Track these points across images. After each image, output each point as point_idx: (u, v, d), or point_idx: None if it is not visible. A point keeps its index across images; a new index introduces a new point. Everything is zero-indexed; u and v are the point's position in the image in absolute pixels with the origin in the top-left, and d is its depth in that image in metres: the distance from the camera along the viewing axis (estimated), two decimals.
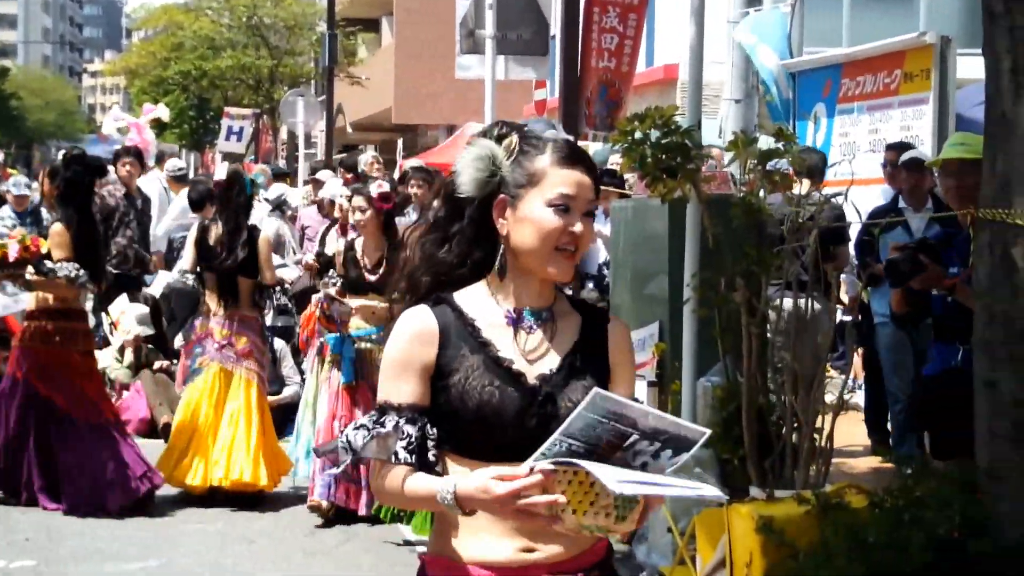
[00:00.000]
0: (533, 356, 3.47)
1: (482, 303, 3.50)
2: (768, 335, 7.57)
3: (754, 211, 7.58)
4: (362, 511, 9.65)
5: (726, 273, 7.59)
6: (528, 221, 3.42)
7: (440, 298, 3.49)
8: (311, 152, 38.61)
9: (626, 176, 13.19)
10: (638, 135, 7.68)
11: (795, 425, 7.23)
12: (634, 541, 8.38)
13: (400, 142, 32.35)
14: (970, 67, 12.37)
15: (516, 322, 3.48)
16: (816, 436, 7.16)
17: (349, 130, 46.66)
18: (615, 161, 13.29)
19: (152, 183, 16.81)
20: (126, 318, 13.75)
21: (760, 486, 7.15)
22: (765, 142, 7.78)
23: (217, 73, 49.63)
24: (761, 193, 7.64)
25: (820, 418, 7.18)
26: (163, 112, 26.21)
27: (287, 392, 12.90)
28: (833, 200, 7.71)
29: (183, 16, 53.25)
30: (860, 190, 9.21)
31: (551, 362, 3.47)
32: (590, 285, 11.95)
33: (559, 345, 3.49)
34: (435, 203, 3.61)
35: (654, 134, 7.66)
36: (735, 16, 13.11)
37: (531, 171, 3.43)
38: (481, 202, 3.48)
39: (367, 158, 20.48)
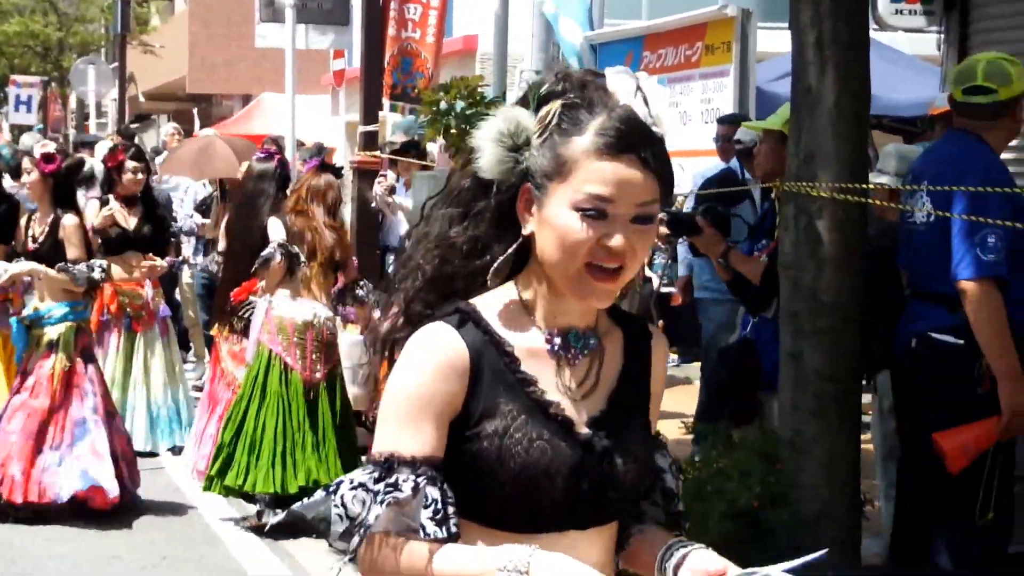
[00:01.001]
0: (579, 394, 2.73)
1: (514, 320, 2.73)
2: None
3: None
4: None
5: None
6: (550, 226, 2.63)
7: (464, 313, 2.69)
8: (102, 122, 38.00)
9: (428, 147, 13.20)
10: (443, 106, 7.80)
11: None
12: None
13: (196, 112, 31.96)
14: (769, 40, 12.59)
15: (560, 351, 2.73)
16: None
17: (142, 99, 46.08)
18: (419, 133, 13.31)
19: None
20: None
21: None
22: None
23: (3, 39, 48.53)
24: None
25: None
26: None
27: None
28: None
29: None
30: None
31: (598, 401, 2.75)
32: (390, 258, 11.95)
33: (606, 376, 2.78)
34: (460, 172, 2.85)
35: (459, 105, 7.77)
36: None
37: (561, 158, 2.62)
38: (509, 185, 2.71)
39: (168, 129, 20.19)
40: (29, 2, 47.44)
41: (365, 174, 14.12)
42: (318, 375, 8.98)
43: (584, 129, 2.59)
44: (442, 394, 2.61)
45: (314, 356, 8.96)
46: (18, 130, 38.10)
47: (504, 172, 2.66)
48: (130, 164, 11.03)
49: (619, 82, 2.69)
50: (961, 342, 6.01)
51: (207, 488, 9.10)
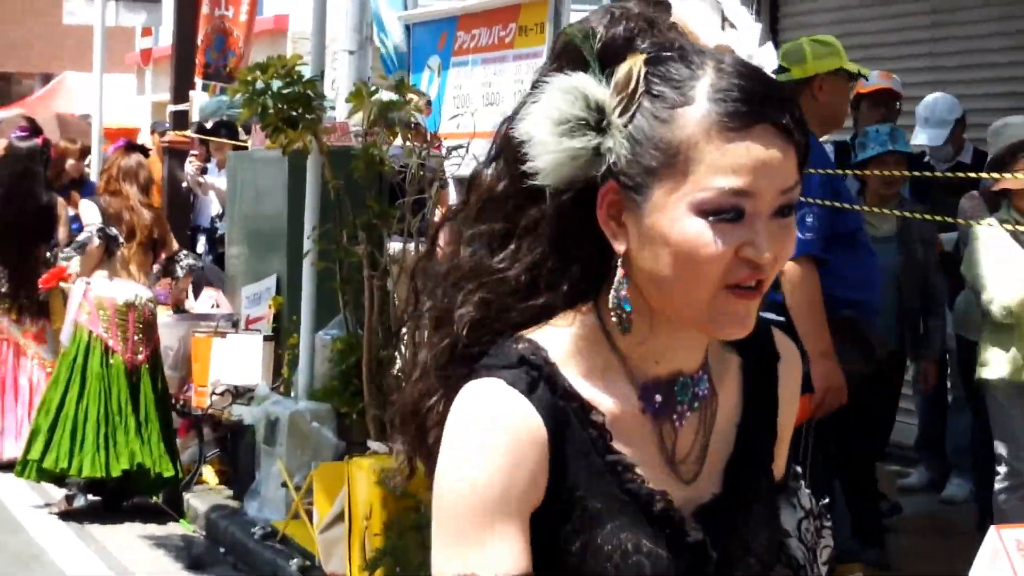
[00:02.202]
0: (687, 470, 2.03)
1: (597, 366, 1.98)
2: (389, 288, 7.72)
3: (375, 163, 7.80)
4: None
5: (347, 226, 7.76)
6: (661, 240, 1.88)
7: (533, 366, 1.93)
8: None
9: (240, 127, 13.23)
10: (260, 85, 7.77)
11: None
12: (245, 497, 8.54)
13: None
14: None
15: (662, 409, 2.00)
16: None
17: None
18: (230, 113, 13.32)
19: None
20: None
21: (379, 439, 7.30)
22: (384, 95, 7.92)
23: None
24: (385, 146, 7.86)
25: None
26: None
27: None
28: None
29: None
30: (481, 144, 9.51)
31: (711, 477, 2.05)
32: (201, 239, 11.97)
33: (720, 436, 2.07)
34: (486, 170, 2.04)
35: (275, 84, 7.78)
36: None
37: (666, 142, 1.87)
38: (570, 189, 1.93)
39: None
40: None
41: (176, 154, 14.10)
42: (140, 357, 9.01)
43: (691, 95, 1.86)
44: (521, 485, 1.91)
45: (136, 338, 8.98)
46: None
47: (574, 171, 1.89)
48: None
49: (695, 12, 2.02)
50: (783, 319, 6.05)
51: (20, 473, 9.06)
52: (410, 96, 8.16)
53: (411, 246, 7.62)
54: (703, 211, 1.85)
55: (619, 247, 1.91)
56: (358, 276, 7.73)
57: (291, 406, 8.22)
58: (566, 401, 1.92)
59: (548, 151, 1.87)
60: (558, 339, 1.95)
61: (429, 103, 11.05)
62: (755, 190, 1.86)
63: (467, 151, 7.72)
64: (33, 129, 10.64)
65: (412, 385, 2.03)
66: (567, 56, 1.93)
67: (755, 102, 1.86)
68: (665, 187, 1.86)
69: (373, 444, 7.31)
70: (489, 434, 1.88)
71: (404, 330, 7.51)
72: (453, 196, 10.96)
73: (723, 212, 1.85)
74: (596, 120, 1.87)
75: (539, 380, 1.91)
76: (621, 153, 1.87)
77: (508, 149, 1.97)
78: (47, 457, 8.80)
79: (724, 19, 2.01)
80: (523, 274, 1.96)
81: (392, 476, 6.44)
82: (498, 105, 10.18)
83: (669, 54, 1.89)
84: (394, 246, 7.81)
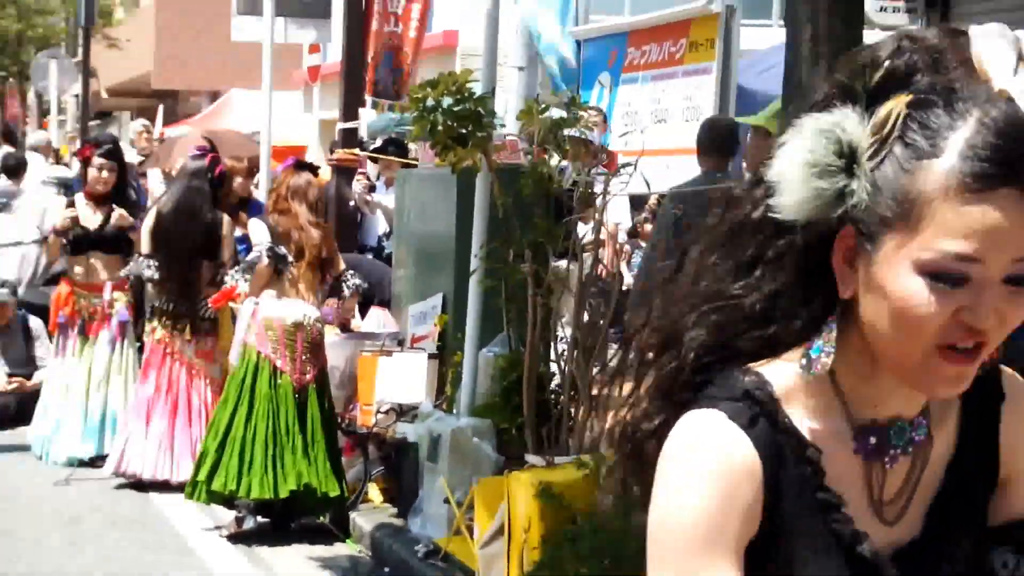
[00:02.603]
0: (891, 511, 2.07)
1: (816, 403, 2.04)
2: (552, 305, 8.04)
3: (544, 181, 8.04)
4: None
5: (514, 244, 8.04)
6: (882, 292, 1.91)
7: (756, 401, 2.02)
8: (62, 119, 38.19)
9: (411, 145, 13.59)
10: (430, 102, 7.98)
11: (573, 393, 7.79)
12: (409, 515, 8.90)
13: (160, 108, 32.19)
14: (750, 38, 13.01)
15: (874, 452, 2.05)
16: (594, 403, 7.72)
17: (104, 95, 46.13)
18: (398, 130, 13.74)
19: None
20: None
21: (537, 453, 7.68)
22: (554, 112, 8.19)
23: None
24: (553, 162, 8.11)
25: (599, 386, 7.73)
26: None
27: (39, 376, 12.82)
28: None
29: None
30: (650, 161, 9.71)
31: (915, 521, 2.08)
32: (368, 258, 12.39)
33: (930, 476, 2.10)
34: (738, 190, 2.14)
35: (446, 101, 7.98)
36: None
37: (903, 193, 1.87)
38: (819, 225, 1.96)
39: (136, 126, 20.63)
40: None
41: (344, 172, 14.54)
42: (308, 376, 9.26)
43: (942, 146, 1.84)
44: (736, 519, 1.97)
45: (304, 357, 9.23)
46: None
47: (816, 211, 1.93)
48: (97, 161, 11.27)
49: (992, 48, 1.91)
50: None
51: (190, 495, 9.32)
52: (581, 113, 8.41)
53: (575, 265, 7.99)
54: (925, 271, 1.85)
55: (845, 292, 1.96)
56: (523, 294, 8.01)
57: (453, 423, 8.60)
58: (784, 437, 1.99)
59: (794, 189, 1.92)
60: (784, 374, 2.02)
61: (605, 119, 11.38)
62: (984, 257, 1.83)
63: (635, 168, 8.00)
64: (211, 148, 10.96)
65: (632, 406, 2.13)
66: (841, 87, 1.96)
67: (1006, 164, 1.81)
68: (895, 240, 1.88)
69: (531, 458, 7.65)
70: (706, 466, 1.95)
71: (563, 346, 7.94)
72: (622, 214, 11.32)
73: (946, 276, 1.84)
74: (847, 163, 1.89)
75: (760, 416, 1.98)
76: (862, 198, 1.89)
77: (759, 181, 2.04)
78: (215, 479, 9.08)
79: (1020, 58, 1.88)
80: (759, 303, 2.02)
81: (603, 494, 6.80)
82: (667, 122, 10.44)
83: (934, 99, 1.87)
84: (558, 264, 8.10)
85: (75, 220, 11.20)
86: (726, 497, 1.94)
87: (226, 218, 10.74)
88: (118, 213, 11.17)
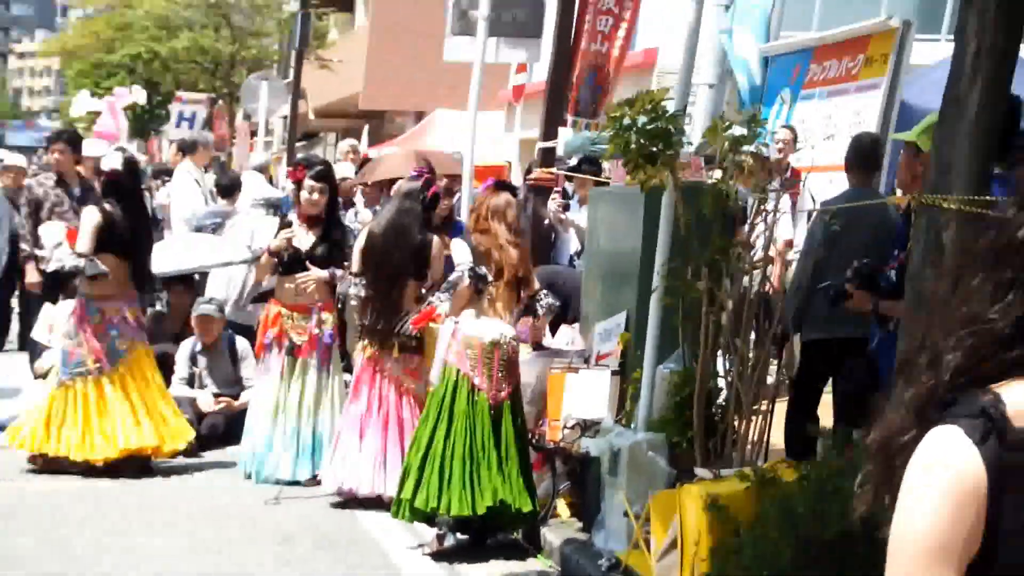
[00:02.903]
0: None
1: None
2: (723, 322, 8.43)
3: (723, 198, 8.39)
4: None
5: (692, 262, 8.41)
6: None
7: (991, 419, 2.22)
8: (269, 140, 39.05)
9: (604, 163, 13.91)
10: (626, 121, 8.35)
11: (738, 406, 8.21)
12: (593, 529, 9.31)
13: (366, 129, 32.81)
14: (920, 52, 13.10)
15: None
16: (757, 417, 8.13)
17: (311, 116, 47.02)
18: (593, 148, 14.11)
19: (183, 174, 17.63)
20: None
21: (704, 466, 8.11)
22: (737, 129, 8.54)
23: (171, 55, 49.91)
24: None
25: (761, 400, 8.16)
26: (139, 96, 27.03)
27: (246, 396, 13.19)
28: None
29: None
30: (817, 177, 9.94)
31: None
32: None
33: None
34: (1008, 213, 2.29)
35: (641, 120, 8.33)
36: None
37: None
38: None
39: (344, 146, 21.30)
40: (201, 17, 48.88)
41: (540, 191, 14.89)
42: (503, 394, 9.63)
43: None
44: (961, 536, 2.18)
45: (499, 375, 9.62)
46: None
47: None
48: (309, 183, 11.67)
49: None
50: None
51: (395, 513, 9.77)
52: (760, 130, 8.76)
53: (745, 280, 8.40)
54: None
55: None
56: (698, 311, 8.37)
57: (631, 437, 9.01)
58: (1011, 453, 2.17)
59: None
60: (1019, 394, 2.21)
61: (795, 137, 11.67)
62: None
63: (804, 185, 8.34)
64: (428, 169, 11.28)
65: (889, 419, 2.35)
66: None
67: None
68: None
69: (700, 471, 8.06)
70: (938, 485, 2.16)
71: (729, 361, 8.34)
72: (787, 230, 11.60)
73: None
74: None
75: (991, 432, 2.17)
76: None
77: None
78: (418, 496, 9.48)
79: None
80: (1008, 326, 2.20)
81: (856, 505, 7.11)
82: (835, 138, 10.59)
83: None
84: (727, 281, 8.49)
85: (290, 241, 11.61)
86: (954, 516, 2.16)
87: (436, 239, 11.03)
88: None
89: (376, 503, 10.77)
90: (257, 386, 12.03)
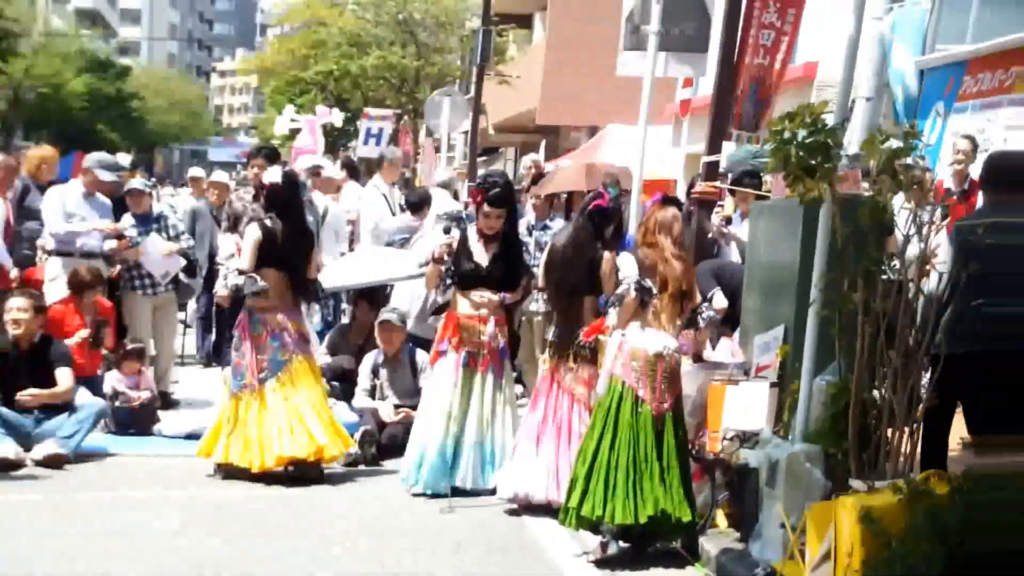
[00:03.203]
0: None
1: None
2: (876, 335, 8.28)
3: (880, 211, 8.31)
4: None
5: (849, 274, 8.31)
6: None
7: None
8: (451, 155, 39.34)
9: (764, 176, 13.85)
10: (787, 134, 8.33)
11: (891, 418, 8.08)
12: (750, 539, 9.24)
13: (543, 144, 32.91)
14: None
15: None
16: (910, 428, 8.00)
17: (491, 132, 47.28)
18: (755, 162, 14.01)
19: (371, 189, 17.83)
20: None
21: (859, 478, 7.99)
22: (894, 143, 8.39)
23: (360, 72, 50.47)
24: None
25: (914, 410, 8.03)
26: (337, 118, 27.35)
27: None
28: None
29: (326, 12, 54.15)
30: None
31: None
32: (717, 291, 12.68)
33: None
34: None
35: (801, 133, 8.31)
36: (880, 12, 13.60)
37: None
38: None
39: (526, 161, 21.39)
40: (389, 34, 49.36)
41: (704, 204, 14.82)
42: (665, 405, 9.60)
43: None
44: None
45: (662, 387, 9.60)
46: (365, 163, 39.89)
47: None
48: (486, 209, 11.58)
49: None
50: None
51: (563, 521, 9.78)
52: (914, 142, 8.60)
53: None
54: None
55: None
56: (855, 323, 8.25)
57: (788, 448, 8.94)
58: None
59: None
60: None
61: (975, 148, 11.42)
62: None
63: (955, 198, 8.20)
64: (608, 185, 11.18)
65: None
66: None
67: None
68: None
69: (854, 483, 7.96)
70: None
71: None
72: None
73: None
74: None
75: None
76: None
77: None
78: (584, 505, 9.51)
79: None
80: None
81: None
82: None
83: None
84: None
85: (450, 248, 11.63)
86: None
87: (607, 254, 10.94)
88: None
89: (545, 510, 10.77)
90: (428, 395, 11.96)
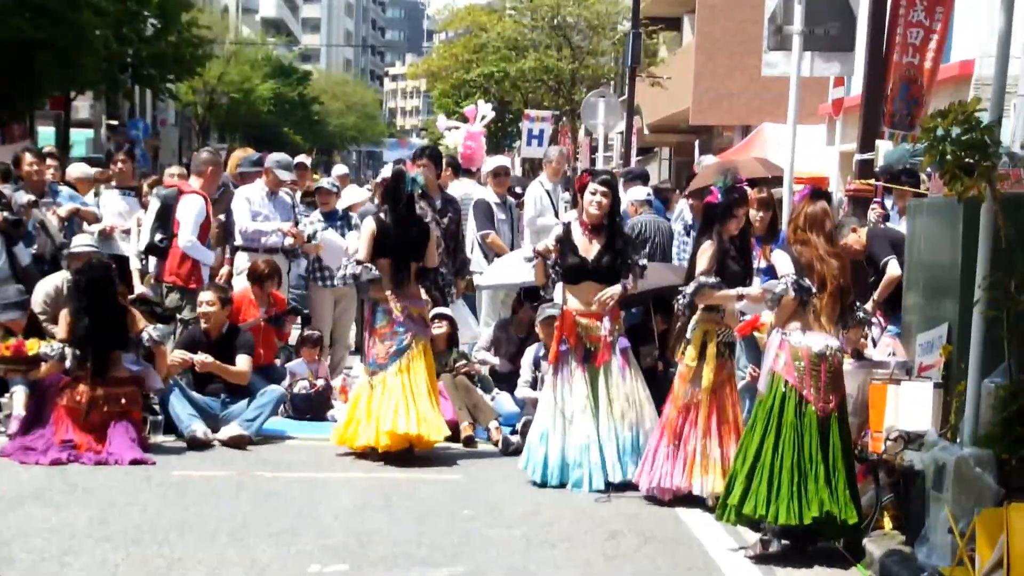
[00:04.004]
0: None
1: None
2: None
3: None
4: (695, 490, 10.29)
5: (1016, 274, 7.80)
6: None
7: None
8: (608, 155, 39.10)
9: (922, 175, 13.30)
10: (939, 132, 7.86)
11: None
12: (916, 543, 8.63)
13: (697, 143, 32.55)
14: None
15: None
16: None
17: (646, 132, 46.98)
18: (912, 160, 13.45)
19: (535, 187, 17.46)
20: None
21: None
22: None
23: (519, 75, 50.52)
24: None
25: None
26: (485, 108, 27.31)
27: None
28: None
29: (486, 17, 54.38)
30: None
31: None
32: None
33: None
34: None
35: (955, 131, 7.84)
36: None
37: None
38: None
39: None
40: (544, 38, 49.36)
41: (860, 202, 14.37)
42: (831, 406, 9.09)
43: None
44: None
45: (826, 387, 9.08)
46: (528, 163, 39.68)
47: None
48: (592, 186, 11.15)
49: None
50: None
51: (720, 516, 9.38)
52: None
53: None
54: None
55: None
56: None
57: (956, 452, 8.32)
58: None
59: None
60: None
61: None
62: None
63: None
64: (755, 183, 10.92)
65: None
66: None
67: None
68: None
69: None
70: None
71: None
72: None
73: None
74: None
75: None
76: None
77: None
78: (747, 503, 9.07)
79: None
80: None
81: None
82: None
83: None
84: None
85: (558, 243, 11.14)
86: None
87: (704, 244, 10.46)
88: None
89: (689, 501, 10.39)
90: (549, 392, 11.37)
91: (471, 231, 15.91)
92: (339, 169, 22.74)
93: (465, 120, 20.03)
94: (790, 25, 15.05)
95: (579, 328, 11.11)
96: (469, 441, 12.71)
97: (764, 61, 16.47)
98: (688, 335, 10.48)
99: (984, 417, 8.43)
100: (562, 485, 11.00)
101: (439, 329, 13.62)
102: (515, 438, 12.38)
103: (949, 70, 21.86)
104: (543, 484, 11.05)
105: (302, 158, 19.80)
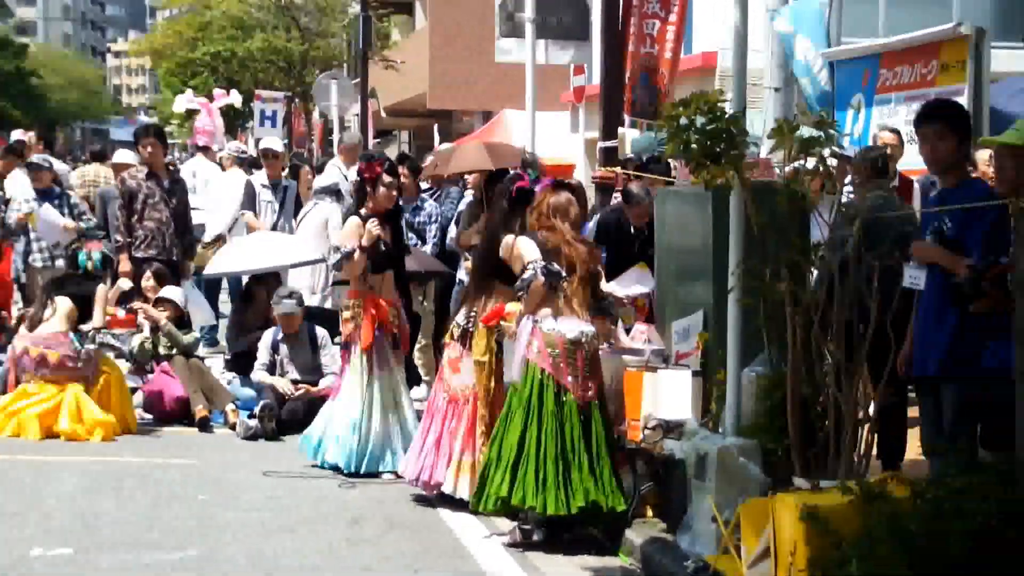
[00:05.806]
0: None
1: None
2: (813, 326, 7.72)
3: (799, 200, 7.82)
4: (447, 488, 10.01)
5: (770, 262, 7.80)
6: None
7: None
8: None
9: (672, 163, 13.43)
10: (683, 121, 7.84)
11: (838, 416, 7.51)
12: (678, 531, 8.64)
13: (436, 128, 32.56)
14: (1004, 60, 12.56)
15: None
16: (860, 427, 7.44)
17: (383, 115, 46.83)
18: (661, 149, 13.60)
19: (332, 170, 17.25)
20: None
21: (803, 476, 7.42)
22: (806, 132, 7.93)
23: (247, 55, 50.05)
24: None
25: (862, 410, 7.46)
26: (236, 99, 26.90)
27: (325, 383, 12.95)
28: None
29: None
30: None
31: None
32: None
33: None
34: None
35: (699, 120, 7.83)
36: (774, 4, 13.24)
37: None
38: None
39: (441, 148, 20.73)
40: (271, 18, 48.96)
41: (605, 190, 14.47)
42: (590, 394, 9.08)
43: None
44: None
45: (585, 375, 9.07)
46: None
47: None
48: (386, 179, 11.02)
49: None
50: None
51: (476, 506, 9.26)
52: (832, 132, 8.12)
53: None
54: None
55: None
56: (781, 313, 7.73)
57: (719, 441, 8.34)
58: None
59: None
60: None
61: (901, 141, 10.95)
62: None
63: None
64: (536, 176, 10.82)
65: None
66: None
67: None
68: None
69: (797, 480, 7.42)
70: None
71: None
72: None
73: None
74: None
75: None
76: None
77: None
78: (514, 494, 8.93)
79: None
80: None
81: None
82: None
83: None
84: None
85: (378, 237, 10.98)
86: None
87: (507, 238, 9.91)
88: None
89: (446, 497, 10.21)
90: (358, 379, 11.12)
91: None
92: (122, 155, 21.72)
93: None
94: (521, 12, 15.14)
95: (391, 316, 11.06)
96: (204, 424, 12.62)
97: (497, 47, 16.86)
98: (463, 324, 10.25)
99: (746, 407, 8.48)
100: (373, 474, 10.91)
101: (163, 313, 13.59)
102: (253, 422, 12.37)
103: (692, 61, 22.25)
104: (356, 473, 10.90)
105: (19, 134, 19.30)
